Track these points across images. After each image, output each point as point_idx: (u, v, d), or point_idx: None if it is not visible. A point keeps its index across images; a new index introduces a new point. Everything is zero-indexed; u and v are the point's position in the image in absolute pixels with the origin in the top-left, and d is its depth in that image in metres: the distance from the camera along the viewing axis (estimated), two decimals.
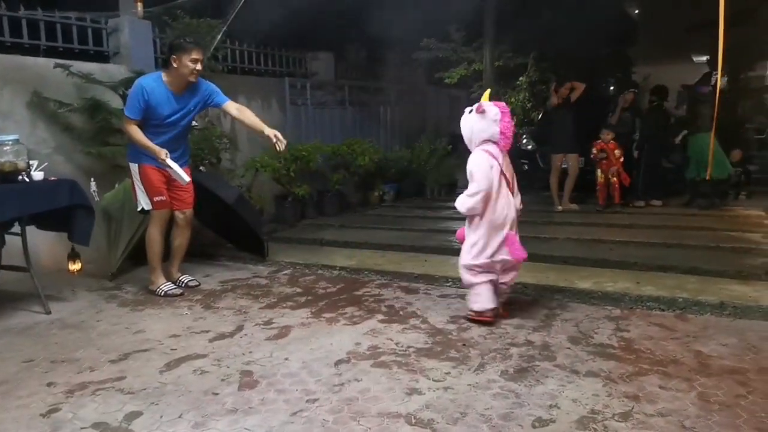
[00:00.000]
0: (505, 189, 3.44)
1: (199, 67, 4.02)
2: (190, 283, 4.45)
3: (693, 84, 8.10)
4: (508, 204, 3.43)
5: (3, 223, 3.78)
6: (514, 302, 3.88)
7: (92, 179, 4.42)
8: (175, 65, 3.98)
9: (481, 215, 3.38)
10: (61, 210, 3.87)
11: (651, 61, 11.48)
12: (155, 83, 4.01)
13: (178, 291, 4.26)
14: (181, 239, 4.40)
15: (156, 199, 4.12)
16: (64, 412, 2.54)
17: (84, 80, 5.12)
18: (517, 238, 3.45)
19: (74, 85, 5.17)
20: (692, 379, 2.69)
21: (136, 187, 4.16)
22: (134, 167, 4.13)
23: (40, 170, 3.93)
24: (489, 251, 3.40)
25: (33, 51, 5.31)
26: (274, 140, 4.12)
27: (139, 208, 4.22)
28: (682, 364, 2.86)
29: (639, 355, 2.98)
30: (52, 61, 5.07)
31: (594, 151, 7.20)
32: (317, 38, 8.66)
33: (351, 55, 9.75)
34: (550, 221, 6.75)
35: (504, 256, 3.40)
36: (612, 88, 9.48)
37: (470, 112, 3.43)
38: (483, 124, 3.41)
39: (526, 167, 9.02)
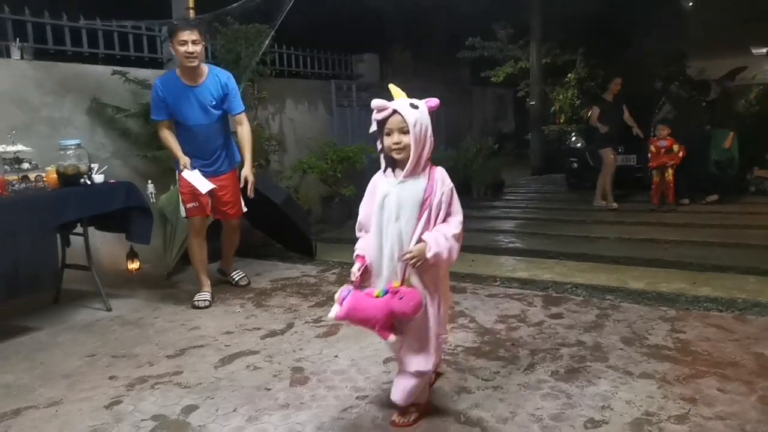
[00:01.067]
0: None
1: (190, 48, 3.72)
2: (241, 282, 4.53)
3: (720, 77, 7.83)
4: None
5: (67, 224, 3.97)
6: (566, 301, 3.83)
7: (149, 182, 4.57)
8: (173, 52, 3.86)
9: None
10: (119, 211, 4.03)
11: (707, 54, 11.11)
12: (167, 78, 3.96)
13: (203, 304, 4.06)
14: (229, 240, 4.48)
15: (189, 206, 4.01)
16: (125, 404, 2.65)
17: (140, 86, 5.31)
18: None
19: (130, 92, 5.36)
20: (753, 382, 2.60)
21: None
22: (177, 174, 4.11)
23: (100, 173, 4.10)
24: None
25: (92, 59, 5.55)
26: (242, 184, 4.08)
27: (182, 214, 4.18)
28: (742, 367, 2.76)
29: (696, 357, 2.90)
30: (110, 69, 5.29)
31: (652, 148, 7.02)
32: (362, 40, 8.74)
33: (396, 56, 9.79)
34: (599, 220, 6.62)
35: None
36: (661, 83, 9.23)
37: (417, 107, 2.22)
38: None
39: (575, 165, 8.88)
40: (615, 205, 7.17)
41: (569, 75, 10.00)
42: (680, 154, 6.87)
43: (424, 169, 2.23)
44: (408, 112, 2.18)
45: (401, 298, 2.10)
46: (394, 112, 2.21)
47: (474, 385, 2.68)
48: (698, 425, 2.26)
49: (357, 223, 2.37)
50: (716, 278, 4.16)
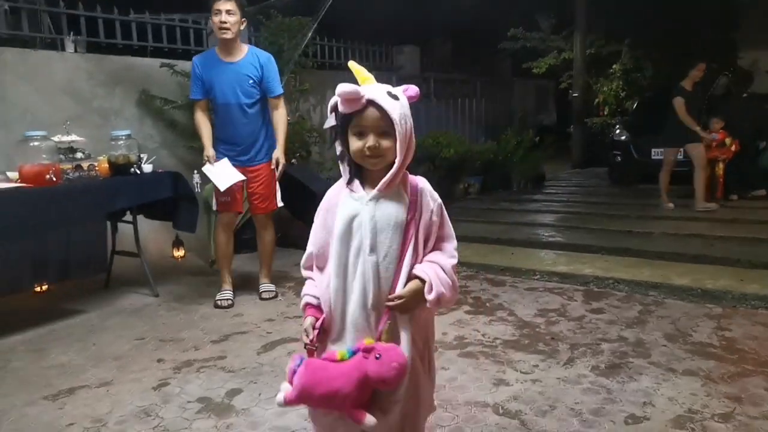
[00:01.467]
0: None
1: (223, 17, 3.65)
2: (264, 296, 4.07)
3: None
4: None
5: (117, 212, 4.12)
6: (607, 296, 3.78)
7: (195, 172, 4.68)
8: (213, 27, 3.83)
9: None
10: (166, 200, 4.16)
11: (759, 45, 10.68)
12: (206, 53, 3.97)
13: (225, 304, 3.94)
14: (261, 245, 4.14)
15: (221, 199, 3.88)
16: (172, 386, 2.75)
17: (187, 78, 5.44)
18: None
19: (178, 84, 5.49)
20: None
21: None
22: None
23: (149, 163, 4.23)
24: None
25: (141, 52, 5.71)
26: (273, 165, 3.93)
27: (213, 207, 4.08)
28: None
29: (742, 355, 2.83)
30: (158, 61, 5.44)
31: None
32: (403, 31, 8.74)
33: (436, 48, 9.76)
34: (643, 215, 6.48)
35: None
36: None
37: (397, 98, 1.50)
38: None
39: (619, 159, 8.70)
40: (671, 205, 6.81)
41: (614, 66, 9.79)
42: (732, 149, 6.63)
43: (402, 180, 1.60)
44: (390, 105, 1.47)
45: (378, 358, 1.42)
46: (370, 103, 1.48)
47: (513, 378, 2.68)
48: (744, 424, 2.22)
49: (304, 257, 1.71)
50: (765, 276, 4.04)
